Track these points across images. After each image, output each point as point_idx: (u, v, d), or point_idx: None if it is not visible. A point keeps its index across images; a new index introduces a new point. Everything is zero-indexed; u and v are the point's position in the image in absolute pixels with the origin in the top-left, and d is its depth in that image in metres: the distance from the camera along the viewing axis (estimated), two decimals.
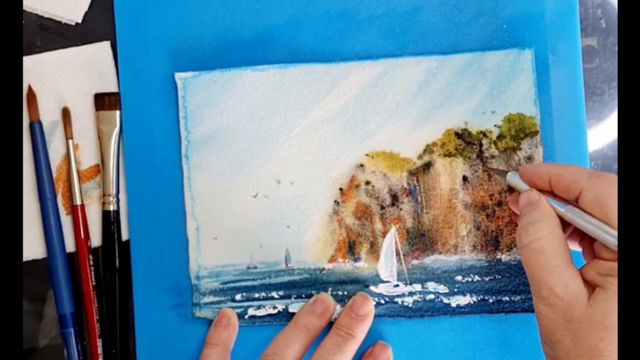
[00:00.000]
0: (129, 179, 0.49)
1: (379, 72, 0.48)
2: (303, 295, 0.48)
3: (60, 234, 0.49)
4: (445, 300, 0.47)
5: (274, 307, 0.48)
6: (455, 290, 0.47)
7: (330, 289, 0.48)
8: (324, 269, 0.48)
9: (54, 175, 0.50)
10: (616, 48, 0.49)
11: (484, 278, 0.47)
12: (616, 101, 0.49)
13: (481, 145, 0.47)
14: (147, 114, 0.49)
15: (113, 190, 0.49)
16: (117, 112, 0.49)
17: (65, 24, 0.50)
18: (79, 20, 0.50)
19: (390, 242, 0.48)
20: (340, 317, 0.47)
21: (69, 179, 0.50)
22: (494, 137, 0.47)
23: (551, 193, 0.41)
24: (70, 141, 0.50)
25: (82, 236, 0.49)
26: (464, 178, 0.47)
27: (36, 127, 0.49)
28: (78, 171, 0.50)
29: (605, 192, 0.38)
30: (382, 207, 0.48)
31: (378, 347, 0.47)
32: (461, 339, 0.47)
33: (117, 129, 0.49)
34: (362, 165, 0.48)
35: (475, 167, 0.47)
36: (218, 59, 0.49)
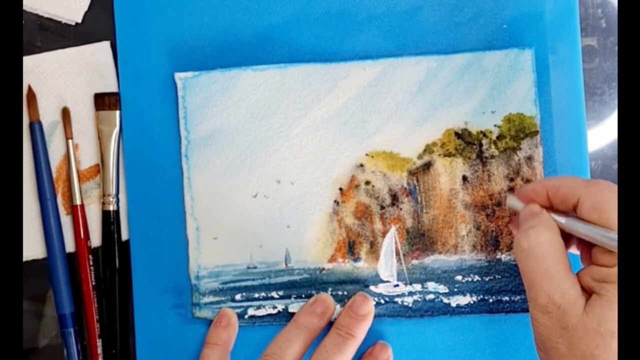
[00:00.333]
0: (129, 179, 0.49)
1: (379, 72, 0.48)
2: (303, 295, 0.48)
3: (60, 234, 0.49)
4: (445, 300, 0.47)
5: (274, 307, 0.48)
6: (455, 290, 0.47)
7: (330, 289, 0.48)
8: (323, 269, 0.48)
9: (54, 175, 0.50)
10: (616, 48, 0.49)
11: (484, 278, 0.47)
12: (616, 101, 0.49)
13: (481, 145, 0.47)
14: (147, 114, 0.49)
15: (113, 190, 0.49)
16: (117, 112, 0.49)
17: (65, 24, 0.50)
18: (79, 20, 0.50)
19: (390, 242, 0.48)
20: (340, 317, 0.47)
21: (69, 179, 0.50)
22: (493, 137, 0.47)
23: (549, 208, 0.41)
24: (70, 141, 0.50)
25: (82, 236, 0.49)
26: (464, 178, 0.47)
27: (36, 127, 0.49)
28: (78, 171, 0.50)
29: (603, 198, 0.38)
30: (382, 207, 0.48)
31: (378, 347, 0.47)
32: (461, 339, 0.47)
33: (117, 129, 0.49)
34: (362, 165, 0.48)
35: (475, 167, 0.47)
36: (218, 59, 0.49)
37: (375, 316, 0.47)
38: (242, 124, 0.48)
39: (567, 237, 0.41)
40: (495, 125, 0.47)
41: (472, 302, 0.47)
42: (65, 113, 0.50)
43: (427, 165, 0.48)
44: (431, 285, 0.47)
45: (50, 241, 0.49)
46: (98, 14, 0.50)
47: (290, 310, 0.48)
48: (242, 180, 0.48)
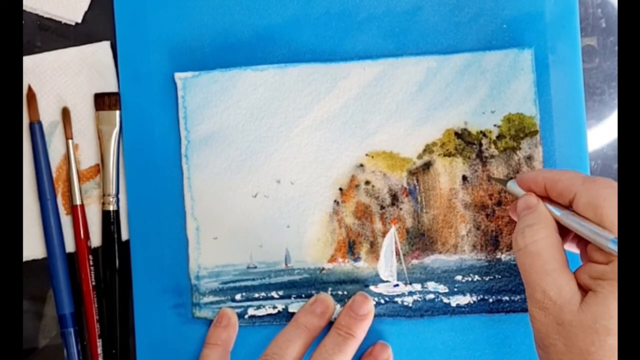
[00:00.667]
0: (129, 179, 0.49)
1: (379, 72, 0.48)
2: (303, 295, 0.48)
3: (60, 234, 0.49)
4: (445, 300, 0.47)
5: (274, 307, 0.48)
6: (455, 290, 0.47)
7: (330, 288, 0.48)
8: (323, 269, 0.48)
9: (54, 175, 0.50)
10: (616, 48, 0.49)
11: (484, 278, 0.47)
12: (616, 101, 0.49)
13: (481, 145, 0.47)
14: (147, 114, 0.49)
15: (113, 190, 0.49)
16: (117, 112, 0.49)
17: (65, 24, 0.50)
18: (79, 20, 0.50)
19: (390, 241, 0.48)
20: (340, 316, 0.47)
21: (69, 179, 0.50)
22: (493, 137, 0.47)
23: (548, 199, 0.41)
24: (70, 141, 0.50)
25: (82, 236, 0.49)
26: (464, 178, 0.47)
27: (36, 127, 0.49)
28: (78, 171, 0.50)
29: (599, 195, 0.38)
30: (382, 207, 0.48)
31: (378, 346, 0.47)
32: (461, 338, 0.47)
33: (117, 129, 0.49)
34: (362, 165, 0.48)
35: (475, 167, 0.47)
36: (218, 59, 0.49)
37: (375, 316, 0.47)
38: (242, 124, 0.48)
39: (565, 233, 0.41)
40: (495, 125, 0.47)
41: (472, 301, 0.47)
42: (65, 113, 0.50)
43: (427, 165, 0.48)
44: (431, 285, 0.47)
45: (50, 241, 0.49)
46: (98, 14, 0.50)
47: (290, 310, 0.48)
48: (242, 180, 0.48)
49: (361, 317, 0.46)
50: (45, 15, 0.50)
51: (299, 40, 0.49)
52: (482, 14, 0.48)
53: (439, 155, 0.47)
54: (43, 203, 0.49)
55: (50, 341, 0.50)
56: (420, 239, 0.47)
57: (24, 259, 0.50)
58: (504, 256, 0.47)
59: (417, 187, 0.48)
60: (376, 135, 0.48)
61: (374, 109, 0.48)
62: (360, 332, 0.46)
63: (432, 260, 0.47)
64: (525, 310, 0.46)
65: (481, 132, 0.47)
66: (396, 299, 0.47)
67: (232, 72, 0.48)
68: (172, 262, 0.49)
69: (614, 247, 0.36)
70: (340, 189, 0.48)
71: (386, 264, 0.48)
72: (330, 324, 0.47)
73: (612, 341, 0.36)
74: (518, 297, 0.47)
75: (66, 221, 0.50)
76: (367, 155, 0.48)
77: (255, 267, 0.48)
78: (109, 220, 0.49)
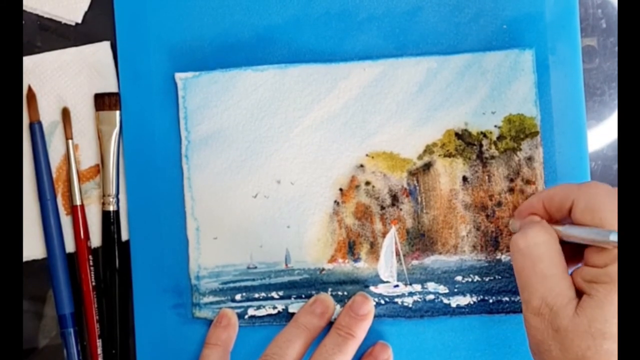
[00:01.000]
0: (129, 179, 0.49)
1: (379, 72, 0.48)
2: (303, 296, 0.48)
3: (60, 234, 0.49)
4: (445, 301, 0.47)
5: (274, 307, 0.48)
6: (455, 290, 0.47)
7: (330, 289, 0.48)
8: (324, 269, 0.48)
9: (54, 175, 0.50)
10: (616, 48, 0.49)
11: (484, 278, 0.47)
12: (616, 101, 0.49)
13: (481, 145, 0.47)
14: (147, 114, 0.49)
15: (113, 191, 0.49)
16: (117, 112, 0.49)
17: (65, 24, 0.50)
18: (79, 21, 0.50)
19: (390, 242, 0.48)
20: (340, 316, 0.47)
21: (69, 179, 0.50)
22: (494, 137, 0.47)
23: (549, 221, 0.42)
24: (70, 141, 0.50)
25: (82, 236, 0.49)
26: (464, 178, 0.47)
27: (36, 127, 0.49)
28: (78, 171, 0.50)
29: (596, 200, 0.38)
30: (382, 208, 0.48)
31: (378, 346, 0.47)
32: (461, 339, 0.47)
33: (117, 129, 0.49)
34: (362, 166, 0.48)
35: (476, 168, 0.47)
36: (218, 59, 0.49)
37: (375, 316, 0.47)
38: (243, 124, 0.48)
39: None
40: (495, 126, 0.47)
41: (472, 302, 0.47)
42: (65, 113, 0.50)
43: (427, 166, 0.48)
44: (431, 286, 0.47)
45: (50, 241, 0.49)
46: (98, 14, 0.50)
47: (290, 310, 0.48)
48: (243, 181, 0.48)
49: (361, 317, 0.46)
50: (45, 15, 0.50)
51: (299, 40, 0.49)
52: (482, 14, 0.48)
53: (439, 155, 0.47)
54: (43, 203, 0.49)
55: (50, 341, 0.50)
56: (420, 240, 0.47)
57: (24, 259, 0.50)
58: (504, 257, 0.47)
59: (417, 188, 0.48)
60: (376, 135, 0.48)
61: (374, 109, 0.48)
62: (360, 333, 0.46)
63: (432, 260, 0.47)
64: None
65: (482, 132, 0.47)
66: (396, 300, 0.47)
67: (232, 73, 0.48)
68: (172, 262, 0.49)
69: (615, 239, 0.36)
70: (341, 190, 0.48)
71: (386, 265, 0.48)
72: (330, 324, 0.47)
73: (608, 345, 0.36)
74: (518, 297, 0.47)
75: (66, 221, 0.50)
76: (367, 155, 0.48)
77: (256, 268, 0.48)
78: (109, 221, 0.49)
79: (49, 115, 0.50)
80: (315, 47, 0.49)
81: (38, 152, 0.49)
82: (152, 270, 0.49)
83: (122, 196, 0.50)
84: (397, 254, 0.48)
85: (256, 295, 0.48)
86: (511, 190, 0.47)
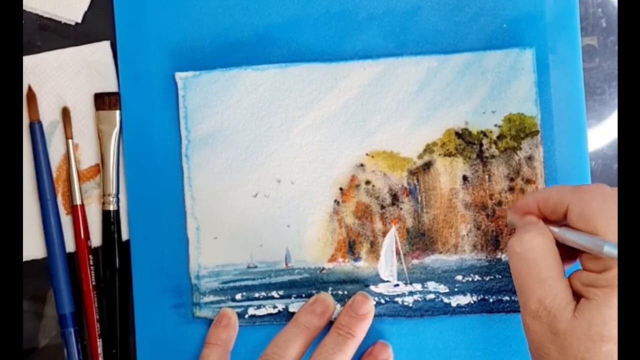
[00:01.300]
0: (129, 179, 0.49)
1: (379, 71, 0.48)
2: (303, 295, 0.48)
3: (60, 234, 0.49)
4: (446, 300, 0.47)
5: (274, 307, 0.48)
6: (456, 289, 0.47)
7: (330, 288, 0.48)
8: (324, 269, 0.48)
9: (54, 175, 0.50)
10: (616, 48, 0.49)
11: (484, 278, 0.47)
12: (616, 101, 0.49)
13: (481, 145, 0.47)
14: (147, 114, 0.49)
15: (113, 190, 0.49)
16: (117, 112, 0.49)
17: (65, 24, 0.50)
18: (79, 20, 0.50)
19: (391, 241, 0.48)
20: (340, 316, 0.47)
21: (69, 179, 0.50)
22: (494, 137, 0.47)
23: (544, 221, 0.41)
24: (70, 141, 0.50)
25: (82, 236, 0.49)
26: (464, 178, 0.47)
27: (36, 127, 0.49)
28: (78, 171, 0.50)
29: (590, 206, 0.38)
30: (382, 207, 0.48)
31: (378, 346, 0.47)
32: (461, 338, 0.47)
33: (117, 129, 0.49)
34: (362, 165, 0.48)
35: (476, 167, 0.47)
36: (218, 59, 0.49)
37: (376, 316, 0.47)
38: (243, 124, 0.48)
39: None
40: (495, 125, 0.47)
41: (472, 301, 0.47)
42: (65, 113, 0.50)
43: (428, 165, 0.48)
44: (431, 285, 0.47)
45: (50, 241, 0.49)
46: (98, 14, 0.50)
47: (291, 309, 0.48)
48: (243, 180, 0.48)
49: (361, 316, 0.46)
50: (45, 15, 0.50)
51: (299, 40, 0.49)
52: (482, 13, 0.48)
53: (439, 155, 0.47)
54: (43, 203, 0.49)
55: (50, 341, 0.50)
56: (420, 239, 0.47)
57: (24, 259, 0.50)
58: (504, 256, 0.47)
59: (418, 187, 0.48)
60: (376, 134, 0.48)
61: (375, 108, 0.48)
62: (360, 332, 0.46)
63: (433, 260, 0.47)
64: None
65: (482, 132, 0.47)
66: (396, 299, 0.47)
67: (232, 72, 0.48)
68: (172, 261, 0.49)
69: (609, 250, 0.36)
70: (341, 189, 0.48)
71: (386, 264, 0.48)
72: (330, 323, 0.47)
73: (606, 348, 0.36)
74: None
75: (66, 221, 0.50)
76: (367, 154, 0.48)
77: (256, 267, 0.48)
78: (109, 220, 0.49)
79: (49, 114, 0.50)
80: (315, 47, 0.49)
81: (38, 152, 0.49)
82: (152, 269, 0.49)
83: (122, 196, 0.50)
84: (398, 253, 0.48)
85: (256, 295, 0.48)
86: (511, 189, 0.47)
